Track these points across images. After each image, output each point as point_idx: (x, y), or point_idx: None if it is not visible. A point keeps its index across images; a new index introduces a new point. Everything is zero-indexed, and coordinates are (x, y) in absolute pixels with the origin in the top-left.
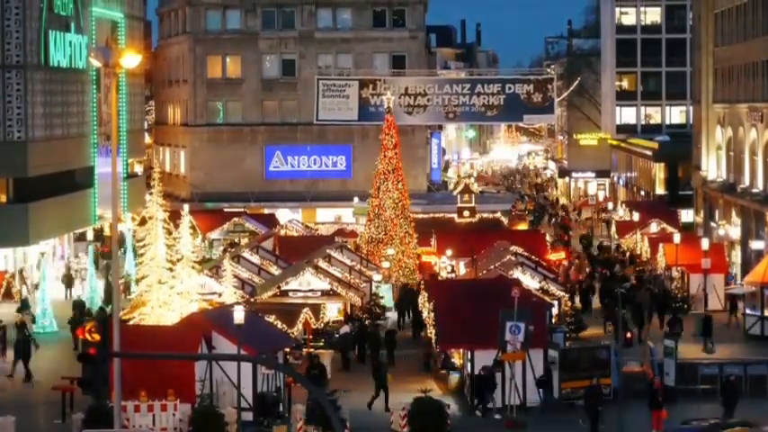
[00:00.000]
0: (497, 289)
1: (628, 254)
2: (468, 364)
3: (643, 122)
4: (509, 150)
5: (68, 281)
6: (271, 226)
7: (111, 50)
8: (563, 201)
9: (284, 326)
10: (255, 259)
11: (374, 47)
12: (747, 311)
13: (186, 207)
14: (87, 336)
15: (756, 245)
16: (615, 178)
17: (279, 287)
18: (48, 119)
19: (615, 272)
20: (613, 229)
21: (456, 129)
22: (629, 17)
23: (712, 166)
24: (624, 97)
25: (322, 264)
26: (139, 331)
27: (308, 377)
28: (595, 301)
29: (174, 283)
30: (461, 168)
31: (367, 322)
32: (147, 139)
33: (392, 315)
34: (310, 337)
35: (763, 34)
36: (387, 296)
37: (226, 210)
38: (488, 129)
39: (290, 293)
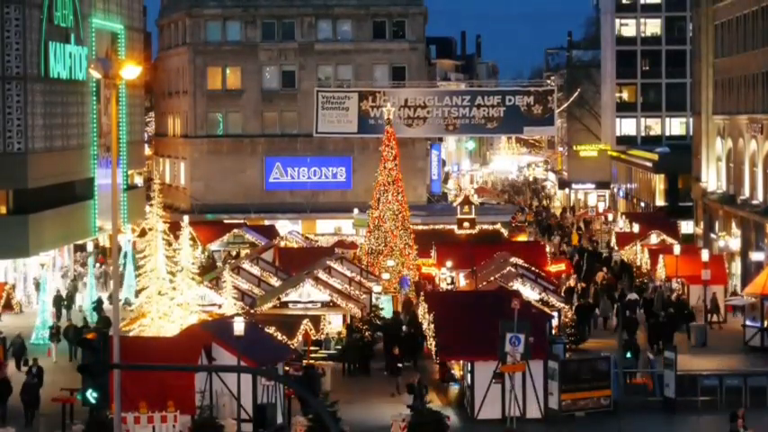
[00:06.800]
0: (497, 300)
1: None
2: (468, 376)
3: (643, 134)
4: (509, 162)
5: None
6: (271, 237)
7: (111, 62)
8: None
9: (284, 337)
10: (255, 270)
11: (374, 58)
12: (747, 323)
13: (186, 218)
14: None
15: (756, 256)
16: (615, 189)
17: (279, 298)
18: (48, 130)
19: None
20: (613, 240)
21: (456, 140)
22: (629, 29)
23: (712, 178)
24: (624, 109)
25: (322, 275)
26: (139, 343)
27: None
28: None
29: (173, 294)
30: (461, 180)
31: (367, 333)
32: (147, 151)
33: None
34: (310, 348)
35: (763, 46)
36: (387, 307)
37: (226, 221)
38: (488, 140)
39: (290, 305)
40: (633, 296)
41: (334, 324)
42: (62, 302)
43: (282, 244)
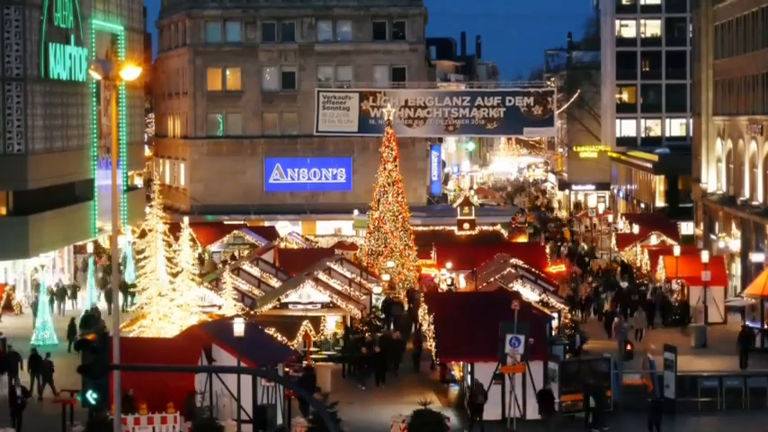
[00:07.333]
0: (497, 301)
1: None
2: (468, 377)
3: (643, 135)
4: (509, 163)
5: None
6: (270, 239)
7: (111, 63)
8: (563, 213)
9: (284, 338)
10: (255, 272)
11: (374, 59)
12: (747, 324)
13: (186, 219)
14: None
15: (756, 257)
16: (615, 191)
17: (279, 300)
18: (47, 131)
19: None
20: (613, 241)
21: (456, 141)
22: (629, 30)
23: (712, 179)
24: (624, 110)
25: (322, 276)
26: (139, 344)
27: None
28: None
29: (174, 295)
30: (461, 181)
31: (367, 335)
32: (147, 152)
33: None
34: (310, 349)
35: (763, 47)
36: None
37: (226, 222)
38: (488, 141)
39: (290, 306)
40: (625, 284)
41: (329, 326)
42: (86, 322)
43: (282, 245)
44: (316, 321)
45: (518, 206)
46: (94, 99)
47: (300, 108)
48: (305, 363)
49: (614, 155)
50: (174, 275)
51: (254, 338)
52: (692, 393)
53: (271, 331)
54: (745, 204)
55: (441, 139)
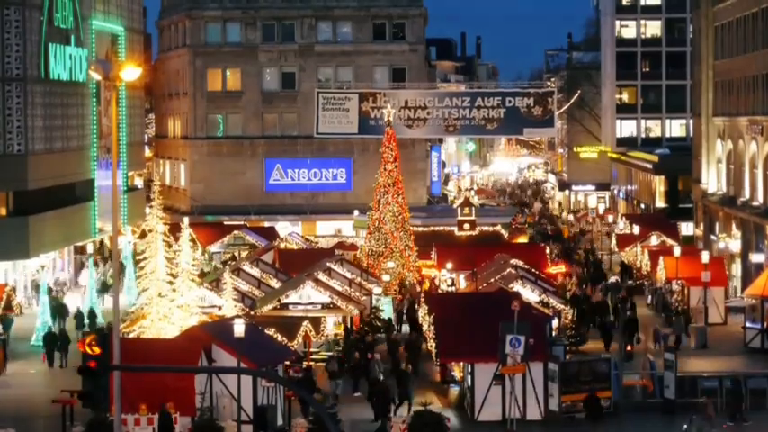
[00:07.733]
0: (498, 302)
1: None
2: (469, 377)
3: (643, 135)
4: (509, 163)
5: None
6: (271, 239)
7: (111, 63)
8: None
9: (284, 339)
10: (255, 272)
11: (374, 60)
12: (747, 324)
13: (186, 220)
14: (87, 349)
15: (756, 258)
16: (615, 191)
17: (279, 300)
18: (48, 132)
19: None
20: (614, 241)
21: (456, 142)
22: (629, 30)
23: (712, 179)
24: (624, 110)
25: (322, 277)
26: (139, 344)
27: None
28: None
29: (174, 296)
30: (461, 182)
31: (368, 337)
32: (147, 153)
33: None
34: (310, 350)
35: (763, 47)
36: (387, 309)
37: (226, 223)
38: (488, 142)
39: (290, 306)
40: (614, 279)
41: (329, 326)
42: (83, 321)
43: (282, 246)
44: (316, 322)
45: (518, 206)
46: (94, 99)
47: (300, 109)
48: (305, 363)
49: (614, 155)
50: (174, 276)
51: (254, 339)
52: (692, 394)
53: (271, 332)
54: (745, 205)
55: (441, 140)
